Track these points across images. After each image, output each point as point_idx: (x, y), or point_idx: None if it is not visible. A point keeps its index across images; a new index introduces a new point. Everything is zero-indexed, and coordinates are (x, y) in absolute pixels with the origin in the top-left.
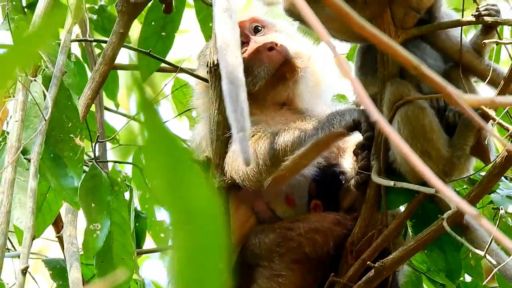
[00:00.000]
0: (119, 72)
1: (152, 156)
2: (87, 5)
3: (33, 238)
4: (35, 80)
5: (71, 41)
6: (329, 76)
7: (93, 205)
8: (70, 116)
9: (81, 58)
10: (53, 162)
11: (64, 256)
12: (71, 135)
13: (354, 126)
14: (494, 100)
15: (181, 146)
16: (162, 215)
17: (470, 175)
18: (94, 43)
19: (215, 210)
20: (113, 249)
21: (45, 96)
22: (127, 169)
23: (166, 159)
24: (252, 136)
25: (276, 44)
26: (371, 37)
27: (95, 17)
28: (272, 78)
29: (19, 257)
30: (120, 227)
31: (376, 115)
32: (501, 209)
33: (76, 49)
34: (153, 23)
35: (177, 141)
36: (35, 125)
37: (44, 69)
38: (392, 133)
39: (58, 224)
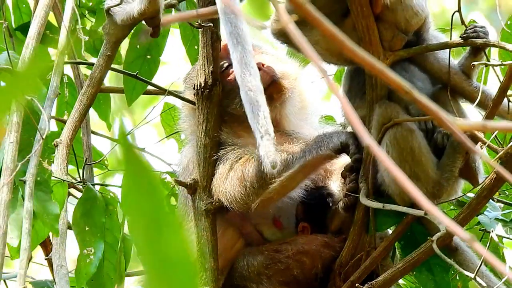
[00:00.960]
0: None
1: (130, 196)
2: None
3: (30, 260)
4: (32, 100)
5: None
6: (316, 98)
7: (87, 228)
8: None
9: (73, 79)
10: (38, 186)
11: (54, 278)
12: (39, 159)
13: (342, 149)
14: (486, 125)
15: (157, 185)
16: None
17: (459, 197)
18: (83, 66)
19: (189, 256)
20: (104, 268)
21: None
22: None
23: (143, 202)
24: (240, 158)
25: (263, 65)
26: (362, 62)
27: (86, 38)
28: None
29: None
30: (112, 247)
31: (366, 138)
32: (492, 231)
33: (68, 70)
34: (138, 46)
35: (155, 179)
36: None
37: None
38: (381, 155)
39: (47, 247)
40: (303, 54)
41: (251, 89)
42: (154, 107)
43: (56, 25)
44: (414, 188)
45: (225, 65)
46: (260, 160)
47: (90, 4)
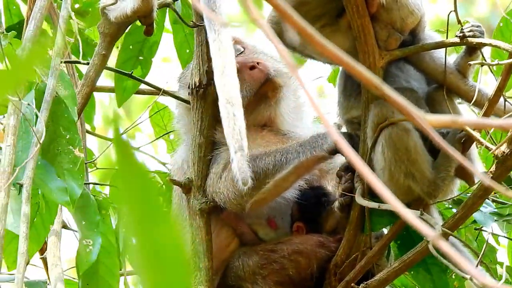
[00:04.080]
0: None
1: (124, 193)
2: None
3: (28, 263)
4: (28, 105)
5: (61, 63)
6: (310, 96)
7: (83, 222)
8: (68, 128)
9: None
10: (48, 176)
11: (48, 277)
12: (70, 147)
13: (336, 150)
14: (456, 120)
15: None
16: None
17: (454, 197)
18: (75, 65)
19: (183, 255)
20: (99, 271)
21: (37, 116)
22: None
23: (136, 198)
24: None
25: (258, 63)
26: (331, 56)
27: (72, 40)
28: (254, 97)
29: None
30: (106, 250)
31: (335, 135)
32: (484, 230)
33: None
34: (131, 47)
35: (149, 178)
36: (29, 145)
37: (38, 84)
38: (367, 172)
39: (42, 246)
40: (298, 53)
41: (229, 102)
42: (148, 107)
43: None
44: (396, 201)
45: None
46: (254, 160)
47: (77, 6)
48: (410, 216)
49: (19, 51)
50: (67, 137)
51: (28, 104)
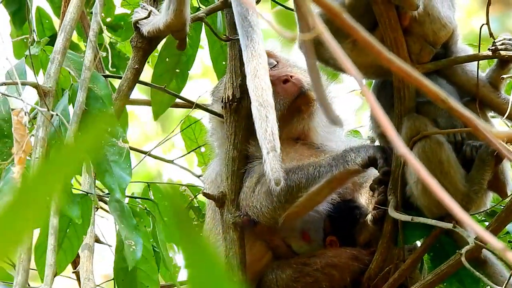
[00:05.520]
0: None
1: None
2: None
3: (55, 275)
4: (57, 115)
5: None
6: (343, 111)
7: (122, 225)
8: (107, 121)
9: None
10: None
11: None
12: (113, 139)
13: (369, 163)
14: None
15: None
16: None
17: (488, 209)
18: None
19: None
20: (137, 278)
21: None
22: None
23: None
24: None
25: (291, 77)
26: (398, 70)
27: (104, 54)
28: (287, 111)
29: None
30: (143, 257)
31: (402, 149)
32: None
33: None
34: (167, 59)
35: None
36: None
37: (72, 84)
38: (416, 165)
39: (75, 260)
40: (331, 67)
41: (262, 104)
42: (181, 121)
43: (76, 41)
44: (446, 195)
45: None
46: (287, 174)
47: (108, 20)
48: (457, 210)
49: (49, 64)
50: (108, 130)
51: (57, 115)
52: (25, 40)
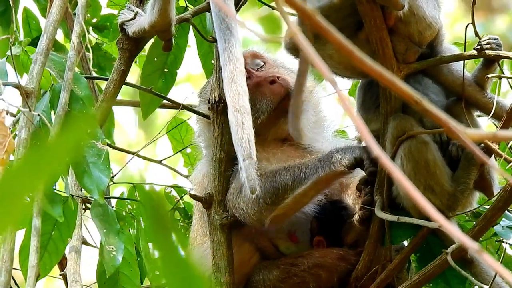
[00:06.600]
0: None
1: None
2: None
3: (38, 277)
4: (38, 115)
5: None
6: (330, 111)
7: (104, 230)
8: (88, 124)
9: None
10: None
11: None
12: (93, 141)
13: (356, 164)
14: (496, 134)
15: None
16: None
17: (474, 209)
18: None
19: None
20: (119, 281)
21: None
22: None
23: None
24: None
25: (278, 77)
26: (371, 72)
27: (91, 55)
28: (274, 112)
29: None
30: (126, 260)
31: (377, 152)
32: (505, 242)
33: None
34: (156, 59)
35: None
36: None
37: (52, 85)
38: (394, 169)
39: (62, 262)
40: (316, 68)
41: (238, 110)
42: (168, 122)
43: (63, 42)
44: (426, 201)
45: None
46: (273, 175)
47: (94, 20)
48: (435, 214)
49: (31, 65)
50: (88, 132)
51: (38, 115)
52: (10, 41)
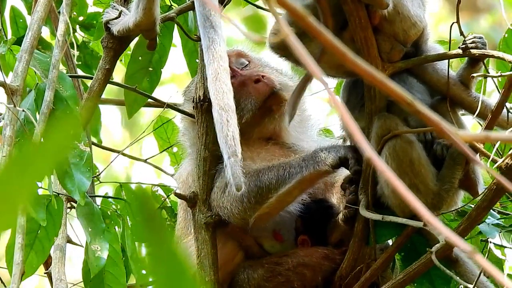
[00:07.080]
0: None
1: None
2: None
3: (24, 275)
4: (23, 111)
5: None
6: (315, 110)
7: (90, 229)
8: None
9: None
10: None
11: None
12: (75, 142)
13: (340, 163)
14: (488, 135)
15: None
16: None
17: (459, 208)
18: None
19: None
20: (105, 280)
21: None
22: None
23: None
24: None
25: (263, 76)
26: (362, 73)
27: (77, 53)
28: (259, 110)
29: None
30: (112, 259)
31: (366, 149)
32: (490, 242)
33: None
34: (140, 58)
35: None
36: None
37: (37, 84)
38: (382, 166)
39: (47, 261)
40: (303, 67)
41: (223, 108)
42: (153, 121)
43: (49, 40)
44: (414, 199)
45: None
46: (257, 174)
47: (81, 18)
48: (425, 213)
49: (16, 63)
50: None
51: (23, 110)
52: None
